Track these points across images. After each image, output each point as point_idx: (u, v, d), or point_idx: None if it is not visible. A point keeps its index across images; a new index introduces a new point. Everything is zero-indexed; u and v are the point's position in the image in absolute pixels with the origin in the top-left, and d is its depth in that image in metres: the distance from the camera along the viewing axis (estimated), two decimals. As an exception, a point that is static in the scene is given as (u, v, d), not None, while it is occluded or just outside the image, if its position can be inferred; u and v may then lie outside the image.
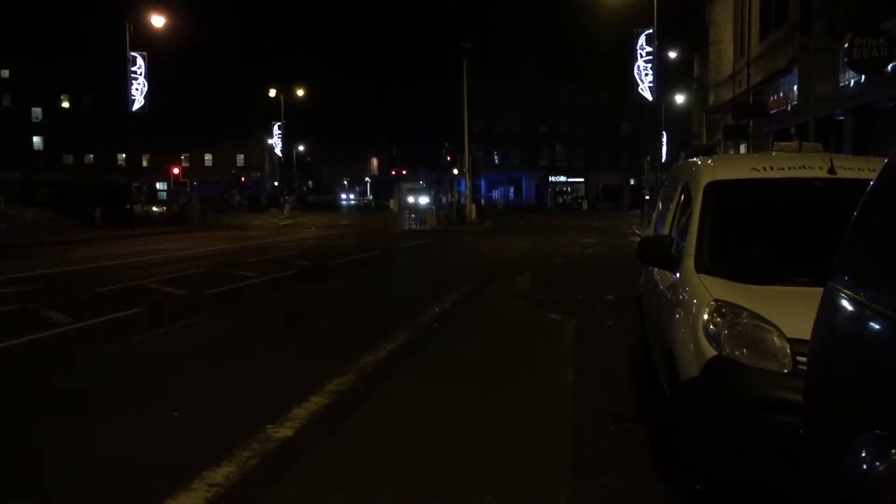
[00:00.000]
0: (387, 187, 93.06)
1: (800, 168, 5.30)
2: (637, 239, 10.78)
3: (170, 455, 5.08)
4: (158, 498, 4.28)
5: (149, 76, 41.57)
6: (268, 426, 5.49)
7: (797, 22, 17.63)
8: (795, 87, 12.92)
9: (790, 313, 3.88)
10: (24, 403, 6.54)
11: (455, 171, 45.26)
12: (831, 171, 5.07)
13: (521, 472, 4.74)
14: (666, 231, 6.27)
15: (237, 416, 5.90)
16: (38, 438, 5.55)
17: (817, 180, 5.10)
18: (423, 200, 47.50)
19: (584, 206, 72.13)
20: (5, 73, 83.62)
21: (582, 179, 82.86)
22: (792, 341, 3.81)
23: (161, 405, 6.34)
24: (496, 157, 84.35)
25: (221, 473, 4.60)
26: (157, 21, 37.24)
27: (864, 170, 4.95)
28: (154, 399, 6.55)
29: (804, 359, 3.43)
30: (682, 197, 5.93)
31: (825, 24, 15.49)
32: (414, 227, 36.49)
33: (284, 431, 5.44)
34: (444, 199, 47.44)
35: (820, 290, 2.96)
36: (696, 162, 6.50)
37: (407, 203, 42.47)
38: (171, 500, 4.25)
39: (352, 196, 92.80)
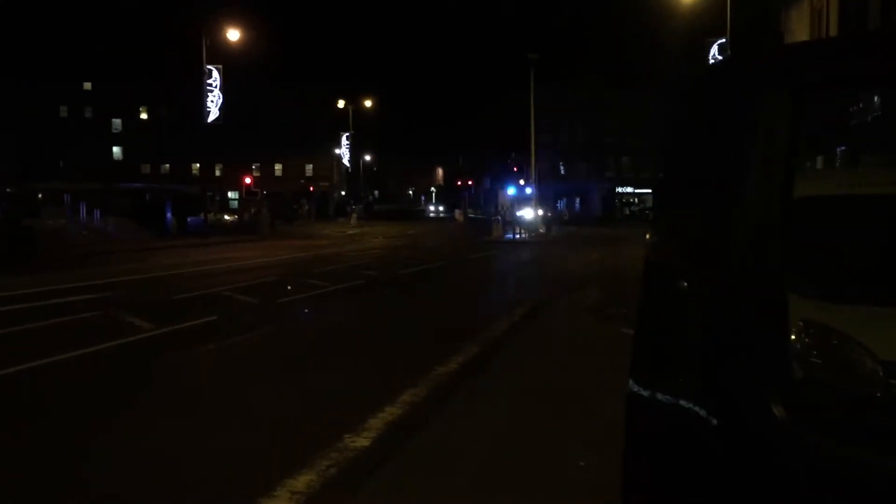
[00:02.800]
0: (453, 196, 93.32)
1: (889, 184, 5.14)
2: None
3: (250, 461, 5.21)
4: (242, 504, 4.40)
5: (223, 88, 42.79)
6: (345, 435, 5.59)
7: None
8: (877, 98, 12.56)
9: (880, 334, 3.77)
10: (100, 407, 6.78)
11: (521, 182, 45.18)
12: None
13: (582, 491, 4.70)
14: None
15: (314, 425, 6.02)
16: (113, 442, 5.75)
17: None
18: (540, 212, 45.28)
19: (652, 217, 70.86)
20: (87, 85, 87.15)
21: (650, 191, 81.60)
22: (884, 364, 3.70)
23: (239, 411, 6.53)
24: (562, 168, 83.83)
25: (302, 481, 4.70)
26: (233, 35, 38.36)
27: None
28: (231, 406, 6.74)
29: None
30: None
31: (910, 33, 14.99)
32: (488, 237, 36.28)
33: (361, 441, 5.52)
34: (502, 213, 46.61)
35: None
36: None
37: (515, 217, 41.02)
38: (255, 506, 4.37)
39: (441, 207, 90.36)
